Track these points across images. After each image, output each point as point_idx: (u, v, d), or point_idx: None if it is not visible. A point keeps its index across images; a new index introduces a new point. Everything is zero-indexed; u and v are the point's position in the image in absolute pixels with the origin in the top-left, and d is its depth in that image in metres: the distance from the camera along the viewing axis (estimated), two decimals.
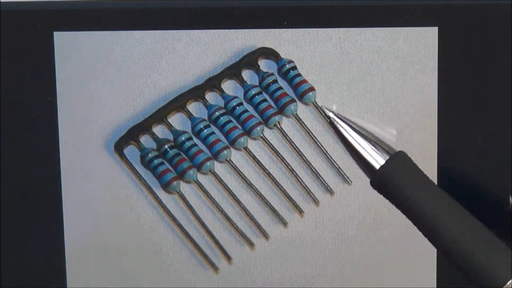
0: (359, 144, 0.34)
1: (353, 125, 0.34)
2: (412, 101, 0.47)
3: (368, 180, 0.47)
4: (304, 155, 0.46)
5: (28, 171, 0.46)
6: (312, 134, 0.46)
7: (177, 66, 0.46)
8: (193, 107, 0.46)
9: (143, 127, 0.45)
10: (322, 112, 0.46)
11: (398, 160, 0.34)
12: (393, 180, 0.33)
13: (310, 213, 0.47)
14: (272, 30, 0.46)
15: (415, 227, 0.47)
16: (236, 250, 0.46)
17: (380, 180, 0.33)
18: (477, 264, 0.32)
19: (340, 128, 0.34)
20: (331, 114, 0.34)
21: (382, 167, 0.33)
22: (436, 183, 0.46)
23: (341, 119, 0.34)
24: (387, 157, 0.34)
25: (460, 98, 0.47)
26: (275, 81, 0.46)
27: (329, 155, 0.46)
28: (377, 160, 0.34)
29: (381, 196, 0.46)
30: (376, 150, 0.34)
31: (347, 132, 0.34)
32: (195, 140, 0.46)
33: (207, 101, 0.46)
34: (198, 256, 0.46)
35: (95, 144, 0.46)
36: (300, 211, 0.46)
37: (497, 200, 0.47)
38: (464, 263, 0.32)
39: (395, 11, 0.46)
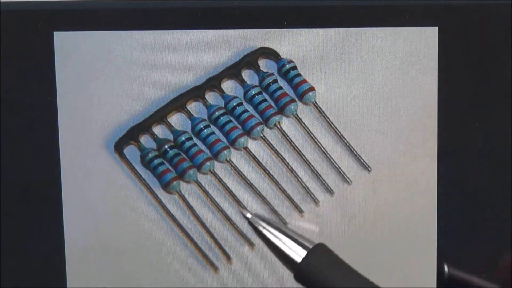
0: (279, 239, 0.35)
1: (272, 222, 0.35)
2: (412, 101, 0.47)
3: (368, 180, 0.47)
4: (304, 155, 0.46)
5: (28, 171, 0.46)
6: (312, 134, 0.46)
7: (177, 66, 0.46)
8: (193, 107, 0.46)
9: (143, 127, 0.45)
10: (321, 112, 0.46)
11: (318, 252, 0.34)
12: (314, 272, 0.34)
13: (310, 213, 0.47)
14: (272, 30, 0.46)
15: (415, 227, 0.47)
16: (236, 250, 0.46)
17: (303, 273, 0.34)
18: None
19: (259, 227, 0.35)
20: (248, 215, 0.35)
21: (303, 260, 0.34)
22: (436, 183, 0.47)
23: (260, 218, 0.35)
24: (307, 251, 0.34)
25: (460, 98, 0.47)
26: (275, 81, 0.46)
27: (329, 155, 0.46)
28: (298, 253, 0.34)
29: (381, 196, 0.47)
30: (296, 244, 0.34)
31: (266, 230, 0.35)
32: (195, 140, 0.46)
33: (207, 101, 0.46)
34: (198, 256, 0.46)
35: (95, 144, 0.46)
36: (300, 211, 0.46)
37: (497, 200, 0.47)
38: None
39: (395, 11, 0.46)
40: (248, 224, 0.35)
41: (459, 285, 0.46)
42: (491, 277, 0.47)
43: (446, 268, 0.46)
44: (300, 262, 0.34)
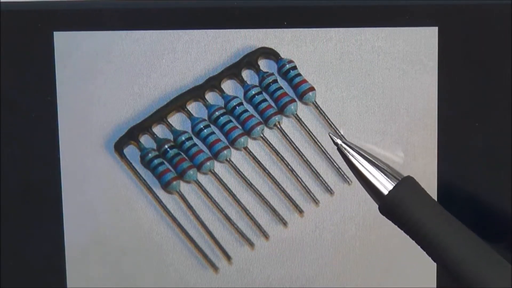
0: (367, 170, 0.34)
1: (361, 151, 0.35)
2: (412, 101, 0.47)
3: None
4: (304, 155, 0.46)
5: (28, 171, 0.46)
6: (312, 134, 0.46)
7: (177, 66, 0.46)
8: (193, 107, 0.46)
9: (143, 127, 0.45)
10: (321, 112, 0.46)
11: (406, 185, 0.34)
12: (401, 205, 0.33)
13: (310, 213, 0.47)
14: (272, 30, 0.46)
15: None
16: (236, 250, 0.46)
17: (389, 206, 0.34)
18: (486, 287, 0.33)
19: (348, 154, 0.35)
20: (338, 141, 0.35)
21: (390, 192, 0.34)
22: (436, 183, 0.47)
23: (348, 145, 0.35)
24: (395, 183, 0.34)
25: (460, 98, 0.47)
26: (275, 81, 0.46)
27: (329, 155, 0.46)
28: (385, 185, 0.34)
29: None
30: (384, 176, 0.34)
31: (355, 158, 0.35)
32: (195, 140, 0.46)
33: (207, 101, 0.46)
34: (198, 256, 0.46)
35: (95, 144, 0.46)
36: (300, 211, 0.46)
37: (497, 200, 0.47)
38: (473, 285, 0.33)
39: (395, 11, 0.46)
40: (337, 150, 0.35)
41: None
42: None
43: None
44: (387, 194, 0.33)
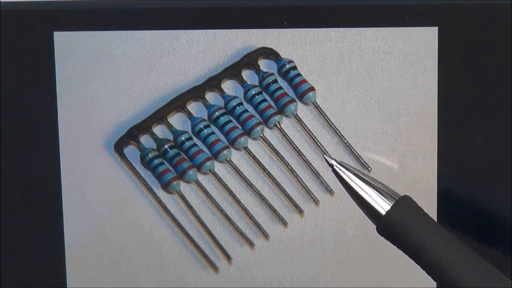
0: (363, 190, 0.34)
1: (356, 172, 0.34)
2: (412, 101, 0.47)
3: None
4: (304, 155, 0.46)
5: (28, 171, 0.46)
6: (312, 134, 0.46)
7: (177, 66, 0.46)
8: (193, 107, 0.46)
9: (143, 127, 0.45)
10: (321, 112, 0.46)
11: (404, 205, 0.34)
12: (399, 225, 0.33)
13: (310, 213, 0.47)
14: (272, 30, 0.46)
15: None
16: (236, 250, 0.46)
17: (387, 226, 0.33)
18: None
19: (343, 175, 0.34)
20: (333, 162, 0.35)
21: (387, 212, 0.33)
22: (436, 183, 0.47)
23: (343, 166, 0.34)
24: (392, 203, 0.33)
25: (460, 98, 0.47)
26: (275, 81, 0.46)
27: (329, 155, 0.46)
28: (382, 206, 0.34)
29: None
30: (381, 196, 0.34)
31: (350, 179, 0.34)
32: (195, 140, 0.46)
33: (207, 101, 0.46)
34: (198, 256, 0.46)
35: (95, 144, 0.46)
36: (300, 211, 0.46)
37: (497, 200, 0.47)
38: None
39: (395, 11, 0.46)
40: (332, 172, 0.35)
41: None
42: None
43: None
44: (385, 215, 0.33)
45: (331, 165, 0.35)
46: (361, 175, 0.34)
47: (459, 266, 0.33)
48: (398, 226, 0.33)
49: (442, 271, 0.33)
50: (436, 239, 0.33)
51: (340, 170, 0.34)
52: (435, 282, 0.47)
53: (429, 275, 0.34)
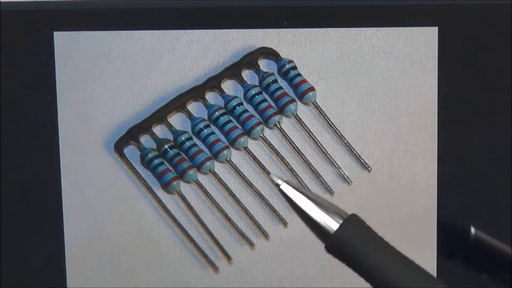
0: (311, 210, 0.34)
1: (304, 191, 0.34)
2: (412, 101, 0.47)
3: (368, 180, 0.47)
4: (304, 155, 0.46)
5: (28, 171, 0.46)
6: (312, 134, 0.46)
7: (177, 66, 0.46)
8: (193, 107, 0.46)
9: (143, 127, 0.45)
10: (321, 112, 0.46)
11: (352, 224, 0.34)
12: (348, 244, 0.33)
13: None
14: (272, 30, 0.46)
15: (415, 227, 0.47)
16: (236, 250, 0.46)
17: (335, 245, 0.33)
18: None
19: (290, 195, 0.34)
20: (279, 181, 0.34)
21: (336, 232, 0.33)
22: (436, 183, 0.47)
23: (290, 185, 0.34)
24: (340, 221, 0.34)
25: (460, 98, 0.47)
26: (275, 81, 0.46)
27: (329, 155, 0.46)
28: (330, 225, 0.34)
29: (381, 196, 0.47)
30: (329, 215, 0.34)
31: (298, 199, 0.34)
32: (195, 140, 0.46)
33: (207, 101, 0.46)
34: (198, 256, 0.46)
35: (95, 144, 0.46)
36: None
37: (497, 200, 0.47)
38: None
39: (395, 11, 0.46)
40: (279, 192, 0.34)
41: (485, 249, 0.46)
42: (492, 276, 0.47)
43: (472, 231, 0.46)
44: (333, 234, 0.33)
45: (277, 185, 0.34)
46: (309, 195, 0.34)
47: (409, 282, 0.33)
48: (347, 245, 0.33)
49: None
50: (385, 257, 0.34)
51: (287, 189, 0.34)
52: None
53: None
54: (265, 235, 0.46)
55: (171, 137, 0.46)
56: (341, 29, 0.46)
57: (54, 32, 0.46)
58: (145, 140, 0.46)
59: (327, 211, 0.34)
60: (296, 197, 0.34)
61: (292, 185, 0.34)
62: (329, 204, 0.34)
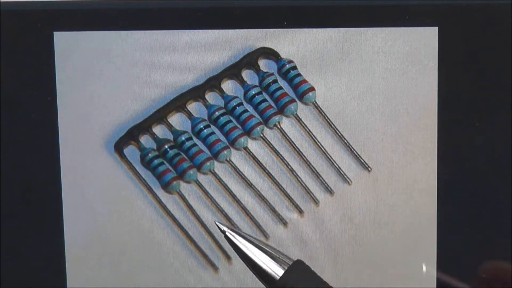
0: (256, 256, 0.34)
1: (249, 238, 0.34)
2: (412, 101, 0.47)
3: (368, 180, 0.47)
4: (304, 155, 0.46)
5: (28, 171, 0.46)
6: (312, 134, 0.46)
7: (177, 66, 0.46)
8: (193, 107, 0.46)
9: (143, 127, 0.45)
10: (321, 112, 0.46)
11: (296, 269, 0.34)
12: None
13: (310, 213, 0.47)
14: (272, 30, 0.46)
15: (415, 227, 0.47)
16: None
17: None
18: None
19: (236, 242, 0.35)
20: (225, 229, 0.35)
21: (281, 278, 0.34)
22: (436, 183, 0.47)
23: (236, 232, 0.35)
24: (286, 267, 0.34)
25: (460, 98, 0.47)
26: (275, 81, 0.46)
27: (329, 155, 0.46)
28: (275, 271, 0.34)
29: (381, 196, 0.47)
30: (274, 261, 0.34)
31: (244, 245, 0.35)
32: (195, 140, 0.46)
33: (207, 101, 0.46)
34: (198, 256, 0.46)
35: (95, 144, 0.46)
36: (300, 211, 0.46)
37: (497, 200, 0.47)
38: None
39: (395, 11, 0.46)
40: (225, 238, 0.35)
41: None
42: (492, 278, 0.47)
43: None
44: (278, 280, 0.34)
45: (223, 232, 0.35)
46: (254, 241, 0.34)
47: None
48: None
49: None
50: None
51: (233, 236, 0.35)
52: (435, 282, 0.47)
53: None
54: (265, 235, 0.46)
55: (171, 137, 0.46)
56: (341, 29, 0.46)
57: (54, 32, 0.46)
58: (145, 140, 0.46)
59: (273, 258, 0.34)
60: (242, 244, 0.34)
61: (237, 232, 0.35)
62: (274, 251, 0.34)
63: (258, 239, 0.35)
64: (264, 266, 0.34)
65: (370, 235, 0.47)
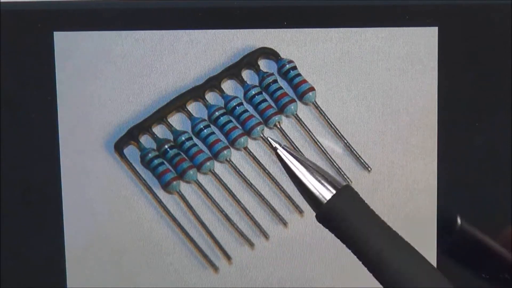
0: (305, 177, 0.33)
1: (300, 158, 0.34)
2: (412, 101, 0.47)
3: (368, 180, 0.47)
4: (304, 155, 0.46)
5: (28, 171, 0.46)
6: (312, 134, 0.46)
7: (177, 66, 0.46)
8: (193, 107, 0.46)
9: (143, 127, 0.45)
10: (321, 112, 0.46)
11: (345, 195, 0.33)
12: (339, 215, 0.33)
13: (310, 213, 0.47)
14: (272, 30, 0.46)
15: (415, 227, 0.47)
16: (236, 250, 0.46)
17: (326, 215, 0.33)
18: None
19: (286, 160, 0.34)
20: (277, 145, 0.34)
21: (328, 201, 0.32)
22: (436, 183, 0.47)
23: (287, 151, 0.34)
24: (334, 192, 0.33)
25: (460, 98, 0.47)
26: (275, 81, 0.46)
27: (329, 155, 0.46)
28: (323, 194, 0.33)
29: (381, 196, 0.47)
30: (322, 184, 0.33)
31: (293, 164, 0.34)
32: (195, 140, 0.46)
33: (207, 101, 0.46)
34: (198, 256, 0.46)
35: (95, 144, 0.46)
36: (300, 211, 0.46)
37: (497, 200, 0.47)
38: None
39: (395, 11, 0.46)
40: (275, 156, 0.34)
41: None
42: (492, 277, 0.47)
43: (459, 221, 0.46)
44: (325, 203, 0.32)
45: (274, 148, 0.33)
46: (305, 161, 0.33)
47: (398, 261, 0.33)
48: (338, 215, 0.32)
49: (379, 264, 0.33)
50: (375, 231, 0.33)
51: (283, 154, 0.34)
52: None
53: (366, 267, 0.33)
54: (265, 235, 0.46)
55: (171, 137, 0.46)
56: (341, 29, 0.46)
57: (54, 32, 0.46)
58: (145, 140, 0.46)
59: (322, 180, 0.33)
60: (292, 163, 0.33)
61: (288, 151, 0.33)
62: (324, 173, 0.33)
63: (309, 160, 0.34)
64: (312, 188, 0.33)
65: None
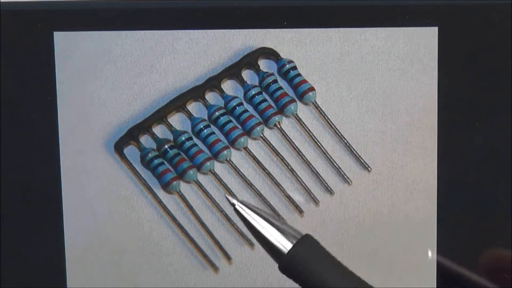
0: (265, 229, 0.34)
1: (259, 211, 0.34)
2: (412, 101, 0.47)
3: (368, 180, 0.47)
4: (304, 155, 0.46)
5: (28, 171, 0.46)
6: (312, 134, 0.46)
7: (177, 66, 0.46)
8: (193, 107, 0.46)
9: (143, 127, 0.45)
10: (321, 112, 0.46)
11: (305, 244, 0.34)
12: (301, 264, 0.33)
13: (310, 213, 0.47)
14: (272, 30, 0.46)
15: (415, 227, 0.47)
16: (236, 250, 0.46)
17: (289, 265, 0.33)
18: None
19: (245, 215, 0.34)
20: (235, 201, 0.34)
21: (289, 251, 0.33)
22: (436, 183, 0.47)
23: (246, 205, 0.34)
24: (294, 241, 0.33)
25: (460, 98, 0.47)
26: (275, 81, 0.46)
27: (329, 155, 0.46)
28: (284, 245, 0.34)
29: (381, 196, 0.47)
30: (283, 235, 0.34)
31: (252, 218, 0.34)
32: (195, 140, 0.46)
33: (207, 101, 0.46)
34: (198, 256, 0.46)
35: (95, 144, 0.46)
36: (300, 211, 0.46)
37: (497, 200, 0.47)
38: None
39: (395, 11, 0.46)
40: (234, 211, 0.35)
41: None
42: (492, 276, 0.47)
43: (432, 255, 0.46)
44: (286, 254, 0.33)
45: (232, 205, 0.34)
46: (263, 214, 0.34)
47: None
48: (300, 265, 0.33)
49: None
50: (338, 278, 0.34)
51: (242, 209, 0.34)
52: (435, 282, 0.47)
53: None
54: None
55: (171, 137, 0.46)
56: (341, 29, 0.46)
57: (54, 32, 0.46)
58: (145, 140, 0.46)
59: (281, 231, 0.34)
60: (251, 217, 0.34)
61: (247, 205, 0.34)
62: (283, 225, 0.34)
63: (267, 213, 0.34)
64: (272, 240, 0.34)
65: (370, 235, 0.47)
